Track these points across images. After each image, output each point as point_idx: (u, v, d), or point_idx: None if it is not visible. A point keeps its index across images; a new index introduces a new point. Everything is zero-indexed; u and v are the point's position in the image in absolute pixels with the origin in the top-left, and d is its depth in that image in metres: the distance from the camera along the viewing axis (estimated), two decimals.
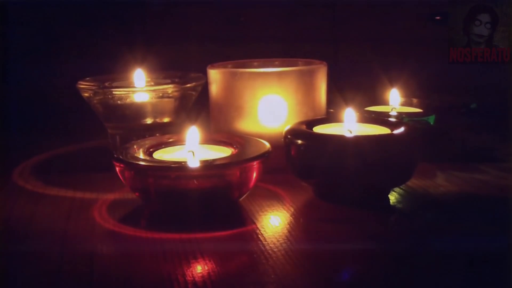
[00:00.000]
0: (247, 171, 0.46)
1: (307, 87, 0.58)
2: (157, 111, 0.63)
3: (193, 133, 0.51)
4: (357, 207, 0.48)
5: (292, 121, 0.55)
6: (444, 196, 0.51)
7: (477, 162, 0.60)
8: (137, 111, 0.62)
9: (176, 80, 0.66)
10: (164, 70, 0.72)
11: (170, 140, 0.53)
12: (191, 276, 0.37)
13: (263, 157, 0.46)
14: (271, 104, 0.57)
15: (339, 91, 0.67)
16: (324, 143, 0.48)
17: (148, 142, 0.52)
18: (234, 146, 0.50)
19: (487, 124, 0.75)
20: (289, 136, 0.50)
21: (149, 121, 0.63)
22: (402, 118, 0.61)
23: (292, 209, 0.49)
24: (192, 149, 0.49)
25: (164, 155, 0.50)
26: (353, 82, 0.84)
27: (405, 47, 0.92)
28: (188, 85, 0.63)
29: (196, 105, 0.66)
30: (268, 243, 0.42)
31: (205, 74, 0.62)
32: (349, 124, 0.53)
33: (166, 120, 0.64)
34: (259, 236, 0.43)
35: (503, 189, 0.53)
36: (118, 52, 0.79)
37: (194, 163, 0.45)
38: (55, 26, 0.86)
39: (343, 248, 0.41)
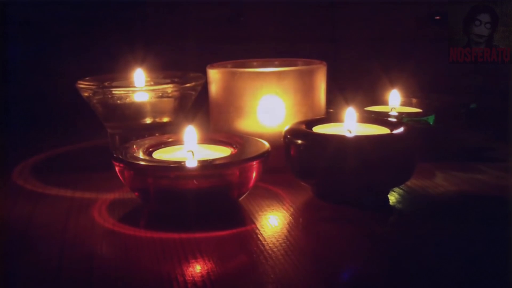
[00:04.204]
0: (246, 171, 0.46)
1: (307, 87, 0.58)
2: (157, 111, 0.63)
3: (190, 132, 0.51)
4: (357, 207, 0.48)
5: (291, 121, 0.55)
6: (444, 196, 0.51)
7: (476, 162, 0.60)
8: (136, 111, 0.62)
9: (176, 79, 0.66)
10: (164, 69, 0.72)
11: (170, 140, 0.53)
12: (190, 276, 0.37)
13: (263, 157, 0.46)
14: (270, 104, 0.57)
15: (339, 91, 0.67)
16: (323, 143, 0.48)
17: (147, 142, 0.52)
18: (234, 146, 0.50)
19: (486, 124, 0.75)
20: (288, 136, 0.50)
21: (148, 120, 0.63)
22: (401, 118, 0.61)
23: (291, 209, 0.49)
24: (192, 149, 0.49)
25: (163, 155, 0.50)
26: (352, 82, 0.84)
27: (405, 47, 0.92)
28: (188, 85, 0.63)
29: (195, 105, 0.66)
30: (267, 243, 0.42)
31: (204, 73, 0.62)
32: (349, 124, 0.53)
33: (165, 119, 0.64)
34: (259, 236, 0.43)
35: (502, 189, 0.53)
36: (118, 52, 0.79)
37: (193, 163, 0.45)
38: (55, 26, 0.86)
39: (343, 248, 0.41)
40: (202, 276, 0.37)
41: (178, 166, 0.45)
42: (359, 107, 0.64)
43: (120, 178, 0.47)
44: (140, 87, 0.65)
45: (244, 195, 0.48)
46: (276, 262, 0.39)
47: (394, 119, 0.57)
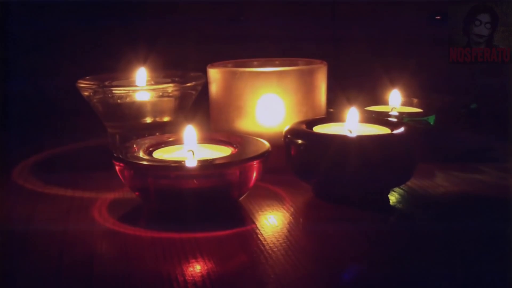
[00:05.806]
0: (246, 170, 0.46)
1: (307, 87, 0.58)
2: (157, 110, 0.63)
3: (190, 132, 0.51)
4: (357, 207, 0.48)
5: (292, 120, 0.55)
6: (444, 196, 0.51)
7: (477, 162, 0.60)
8: (137, 110, 0.62)
9: (176, 79, 0.66)
10: (164, 69, 0.72)
11: (170, 139, 0.53)
12: (190, 275, 0.37)
13: (263, 156, 0.46)
14: (271, 104, 0.57)
15: (340, 90, 0.67)
16: (324, 143, 0.48)
17: (147, 141, 0.52)
18: (234, 146, 0.50)
19: (487, 124, 0.75)
20: (289, 136, 0.50)
21: (149, 120, 0.63)
22: (402, 118, 0.61)
23: (291, 209, 0.49)
24: (192, 148, 0.49)
25: (163, 154, 0.50)
26: (353, 82, 0.84)
27: (405, 47, 0.92)
28: (188, 84, 0.63)
29: (195, 104, 0.66)
30: (267, 243, 0.41)
31: (205, 73, 0.62)
32: (350, 123, 0.53)
33: (166, 119, 0.64)
34: (259, 235, 0.43)
35: (502, 189, 0.53)
36: (118, 51, 0.79)
37: (193, 163, 0.45)
38: (56, 25, 0.86)
39: (342, 248, 0.41)
40: (202, 276, 0.37)
41: (178, 166, 0.45)
42: (359, 107, 0.64)
43: (120, 177, 0.47)
44: (141, 86, 0.65)
45: (244, 195, 0.48)
46: (276, 262, 0.38)
47: (394, 119, 0.57)
